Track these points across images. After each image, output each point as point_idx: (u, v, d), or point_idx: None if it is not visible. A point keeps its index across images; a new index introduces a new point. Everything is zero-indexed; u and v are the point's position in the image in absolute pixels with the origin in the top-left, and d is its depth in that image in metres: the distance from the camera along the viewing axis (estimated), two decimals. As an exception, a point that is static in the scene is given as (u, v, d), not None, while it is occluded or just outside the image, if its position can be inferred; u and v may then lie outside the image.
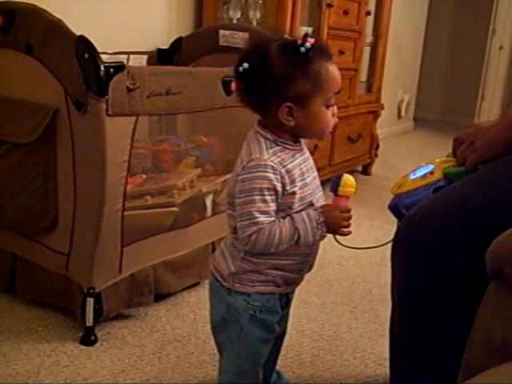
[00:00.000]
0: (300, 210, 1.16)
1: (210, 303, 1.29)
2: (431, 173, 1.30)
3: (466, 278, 1.09)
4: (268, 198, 1.11)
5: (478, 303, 1.03)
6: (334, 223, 1.17)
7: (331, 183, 1.21)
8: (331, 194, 1.22)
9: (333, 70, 1.14)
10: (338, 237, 1.23)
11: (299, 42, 1.11)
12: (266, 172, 1.11)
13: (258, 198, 1.11)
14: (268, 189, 1.11)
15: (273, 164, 1.12)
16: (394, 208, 1.31)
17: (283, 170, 1.13)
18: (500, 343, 0.93)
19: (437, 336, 1.16)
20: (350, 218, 1.19)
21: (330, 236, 1.23)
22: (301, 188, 1.16)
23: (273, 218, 1.13)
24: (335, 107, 1.18)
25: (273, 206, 1.12)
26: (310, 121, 1.15)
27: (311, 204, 1.19)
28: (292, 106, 1.12)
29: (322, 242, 1.26)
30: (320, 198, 1.23)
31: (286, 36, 1.18)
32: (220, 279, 1.23)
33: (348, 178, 1.20)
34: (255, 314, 1.21)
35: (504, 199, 1.09)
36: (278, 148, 1.15)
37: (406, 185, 1.32)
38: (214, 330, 1.30)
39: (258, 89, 1.14)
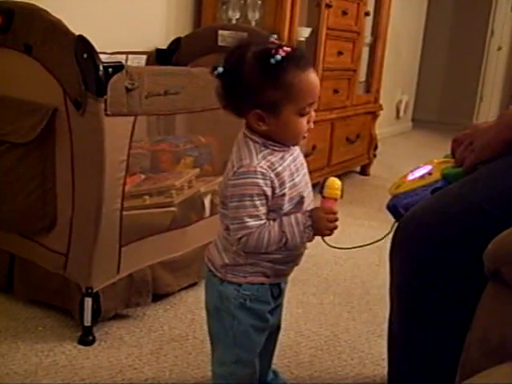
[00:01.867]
0: (290, 209, 1.20)
1: (205, 293, 1.33)
2: (429, 173, 1.30)
3: (464, 279, 1.10)
4: (258, 202, 1.15)
5: (476, 304, 1.03)
6: (320, 224, 1.19)
7: (319, 186, 1.23)
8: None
9: (308, 80, 1.14)
10: (326, 238, 1.25)
11: (272, 51, 1.11)
12: (256, 178, 1.14)
13: (248, 203, 1.14)
14: (258, 194, 1.14)
15: (262, 170, 1.14)
16: (393, 208, 1.31)
17: (272, 175, 1.15)
18: (497, 344, 0.93)
19: (435, 337, 1.16)
20: (334, 219, 1.21)
21: (327, 237, 1.23)
22: (290, 189, 1.19)
23: (263, 221, 1.17)
24: (312, 114, 1.18)
25: (263, 210, 1.16)
26: (281, 128, 1.16)
27: (302, 201, 1.21)
28: (261, 113, 1.14)
29: (319, 243, 1.26)
30: (309, 193, 1.25)
31: (273, 39, 1.19)
32: (213, 269, 1.27)
33: (334, 181, 1.22)
34: (245, 303, 1.24)
35: (502, 199, 1.09)
36: (267, 151, 1.17)
37: (404, 185, 1.33)
38: (208, 320, 1.33)
39: (231, 93, 1.17)
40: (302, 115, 1.16)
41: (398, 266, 1.19)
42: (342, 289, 2.19)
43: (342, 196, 1.22)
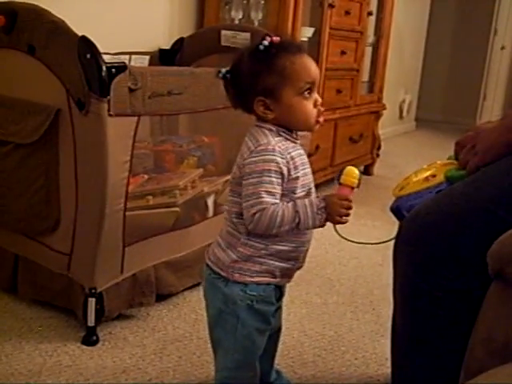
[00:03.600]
0: (302, 196, 1.21)
1: (206, 299, 1.31)
2: (433, 176, 1.30)
3: (468, 279, 1.09)
4: (274, 180, 1.17)
5: (480, 303, 1.03)
6: (333, 210, 1.20)
7: (338, 175, 1.25)
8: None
9: (301, 61, 1.19)
10: (338, 228, 1.26)
11: (259, 42, 1.18)
12: (274, 156, 1.17)
13: (266, 179, 1.16)
14: (275, 171, 1.16)
15: (280, 149, 1.18)
16: (396, 210, 1.31)
17: (288, 156, 1.19)
18: (502, 344, 0.93)
19: (439, 336, 1.16)
20: (348, 207, 1.22)
21: (330, 236, 1.23)
22: (303, 176, 1.22)
23: (277, 201, 1.18)
24: (318, 97, 1.22)
25: (278, 189, 1.18)
26: (288, 112, 1.20)
27: (309, 191, 1.24)
28: (264, 100, 1.19)
29: (323, 243, 1.26)
30: (313, 191, 1.27)
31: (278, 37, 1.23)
32: (218, 270, 1.25)
33: (352, 169, 1.23)
34: (252, 304, 1.24)
35: (506, 199, 1.09)
36: (281, 138, 1.21)
37: (408, 187, 1.33)
38: (210, 327, 1.32)
39: (236, 89, 1.23)
40: (305, 97, 1.19)
41: (402, 266, 1.19)
42: (346, 289, 2.19)
43: (358, 186, 1.24)
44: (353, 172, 1.23)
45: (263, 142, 1.18)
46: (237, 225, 1.23)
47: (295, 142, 1.23)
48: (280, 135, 1.21)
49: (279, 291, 1.30)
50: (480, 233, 1.08)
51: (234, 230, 1.24)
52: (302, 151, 1.25)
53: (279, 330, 1.44)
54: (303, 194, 1.22)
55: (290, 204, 1.18)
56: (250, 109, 1.22)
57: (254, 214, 1.16)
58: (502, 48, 6.41)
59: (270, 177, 1.16)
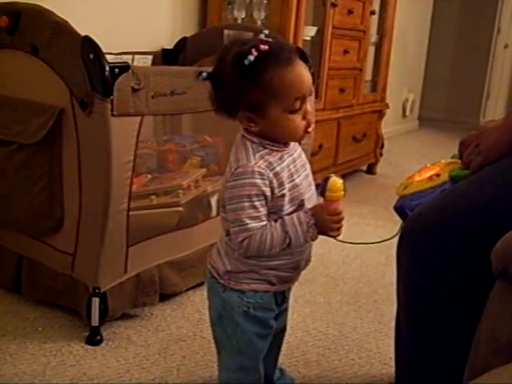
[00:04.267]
0: (291, 211, 1.16)
1: (208, 300, 1.30)
2: (437, 175, 1.30)
3: (471, 277, 1.09)
4: (257, 203, 1.11)
5: (483, 302, 1.03)
6: (324, 226, 1.15)
7: (319, 187, 1.18)
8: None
9: (291, 76, 1.09)
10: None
11: (246, 51, 1.07)
12: (253, 178, 1.10)
13: (247, 204, 1.11)
14: (257, 195, 1.11)
15: (260, 170, 1.11)
16: (400, 210, 1.31)
17: (271, 174, 1.12)
18: (505, 343, 0.93)
19: (442, 335, 1.16)
20: (339, 220, 1.17)
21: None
22: (290, 190, 1.15)
23: (264, 223, 1.13)
24: (308, 108, 1.13)
25: (263, 211, 1.13)
26: (272, 127, 1.12)
27: (302, 203, 1.18)
28: (249, 114, 1.12)
29: (327, 241, 1.26)
30: (312, 196, 1.22)
31: (262, 36, 1.12)
32: (216, 276, 1.23)
33: (335, 182, 1.15)
34: (249, 311, 1.22)
35: (509, 197, 1.09)
36: (265, 151, 1.14)
37: (411, 186, 1.32)
38: (212, 327, 1.31)
39: (218, 96, 1.15)
40: (292, 112, 1.11)
41: (405, 265, 1.19)
42: (350, 288, 2.19)
43: (344, 194, 1.17)
44: (337, 184, 1.15)
45: (242, 163, 1.11)
46: (230, 240, 1.19)
47: (284, 150, 1.16)
48: (264, 147, 1.14)
49: (282, 296, 1.27)
50: (484, 232, 1.08)
51: (229, 242, 1.21)
52: (294, 157, 1.19)
53: (283, 330, 1.42)
54: (292, 209, 1.16)
55: (278, 224, 1.13)
56: (233, 117, 1.15)
57: (242, 241, 1.13)
58: (506, 47, 6.40)
59: (251, 201, 1.11)
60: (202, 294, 2.02)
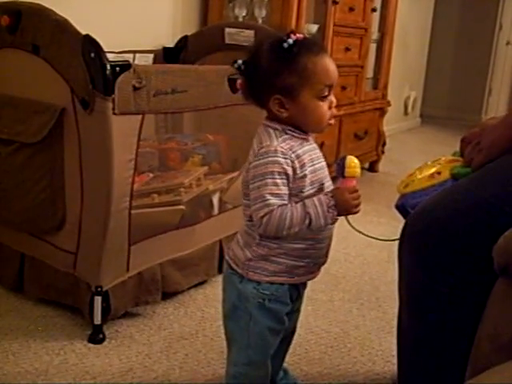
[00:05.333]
0: (312, 194, 1.20)
1: (223, 293, 1.32)
2: (438, 173, 1.30)
3: (473, 274, 1.09)
4: (279, 181, 1.15)
5: (485, 300, 1.03)
6: (346, 205, 1.19)
7: (336, 167, 1.23)
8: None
9: (323, 63, 1.16)
10: (351, 221, 1.26)
11: (285, 37, 1.15)
12: (276, 157, 1.15)
13: (269, 181, 1.15)
14: (279, 172, 1.15)
15: (282, 149, 1.16)
16: (401, 208, 1.31)
17: (293, 155, 1.17)
18: (508, 340, 0.93)
19: (445, 332, 1.16)
20: (359, 197, 1.21)
21: (336, 233, 1.23)
22: (311, 172, 1.20)
23: (285, 202, 1.16)
24: (333, 99, 1.20)
25: (284, 190, 1.16)
26: (302, 113, 1.18)
27: (321, 187, 1.22)
28: (281, 98, 1.17)
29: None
30: (330, 185, 1.25)
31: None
32: (235, 267, 1.26)
33: (352, 159, 1.22)
34: (264, 303, 1.23)
35: (510, 194, 1.09)
36: (287, 136, 1.19)
37: (412, 184, 1.32)
38: (225, 320, 1.32)
39: (252, 83, 1.20)
40: (321, 99, 1.17)
41: (407, 262, 1.19)
42: (352, 286, 2.19)
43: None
44: (354, 162, 1.22)
45: (265, 144, 1.17)
46: (250, 227, 1.23)
47: (304, 138, 1.21)
48: (286, 133, 1.19)
49: (296, 290, 1.29)
50: (485, 229, 1.07)
51: (249, 230, 1.24)
52: (312, 146, 1.23)
53: (293, 332, 1.43)
54: (313, 191, 1.20)
55: (298, 205, 1.17)
56: (262, 104, 1.21)
57: (262, 217, 1.16)
58: (508, 43, 6.38)
59: (274, 178, 1.15)
60: (205, 292, 2.03)
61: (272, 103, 1.18)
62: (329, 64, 1.17)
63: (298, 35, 1.16)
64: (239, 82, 1.23)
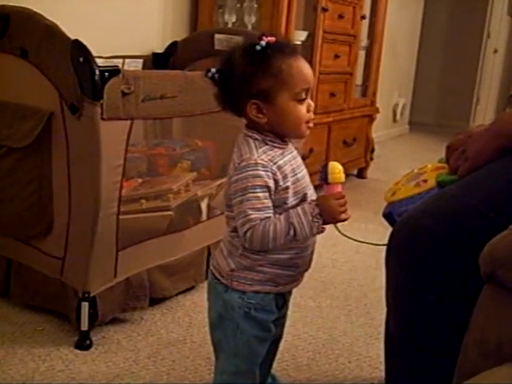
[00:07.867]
0: (295, 205, 1.18)
1: (208, 302, 1.30)
2: (424, 181, 1.30)
3: (460, 281, 1.10)
4: (260, 194, 1.13)
5: (472, 306, 1.03)
6: (332, 212, 1.17)
7: (319, 175, 1.22)
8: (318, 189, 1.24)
9: (298, 65, 1.15)
10: (339, 226, 1.24)
11: (257, 40, 1.15)
12: (257, 170, 1.13)
13: (251, 195, 1.13)
14: (260, 186, 1.13)
15: (263, 162, 1.14)
16: (388, 216, 1.31)
17: (274, 167, 1.15)
18: (494, 346, 0.93)
19: (432, 339, 1.16)
20: (345, 203, 1.20)
21: (324, 240, 1.23)
22: (293, 183, 1.18)
23: (268, 214, 1.14)
24: (311, 102, 1.19)
25: (267, 203, 1.14)
26: (280, 116, 1.16)
27: (305, 197, 1.20)
28: (258, 103, 1.15)
29: (317, 246, 1.26)
30: (312, 193, 1.24)
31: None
32: (219, 277, 1.24)
33: (335, 165, 1.21)
34: (249, 312, 1.22)
35: (497, 201, 1.09)
36: (267, 147, 1.18)
37: (399, 192, 1.33)
38: (211, 329, 1.31)
39: (227, 91, 1.19)
40: (299, 102, 1.16)
41: (394, 269, 1.19)
42: (340, 292, 2.19)
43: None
44: (337, 167, 1.21)
45: (246, 157, 1.15)
46: (234, 237, 1.22)
47: (284, 148, 1.20)
48: (266, 144, 1.17)
49: (282, 298, 1.28)
50: (471, 236, 1.08)
51: (233, 241, 1.23)
52: (293, 154, 1.22)
53: (280, 338, 1.42)
54: (297, 202, 1.19)
55: (282, 216, 1.15)
56: (240, 112, 1.19)
57: (246, 232, 1.14)
58: (495, 51, 6.45)
59: (255, 192, 1.13)
60: (192, 298, 2.02)
61: (249, 109, 1.16)
62: (304, 66, 1.17)
63: (269, 38, 1.15)
64: (214, 92, 1.21)
